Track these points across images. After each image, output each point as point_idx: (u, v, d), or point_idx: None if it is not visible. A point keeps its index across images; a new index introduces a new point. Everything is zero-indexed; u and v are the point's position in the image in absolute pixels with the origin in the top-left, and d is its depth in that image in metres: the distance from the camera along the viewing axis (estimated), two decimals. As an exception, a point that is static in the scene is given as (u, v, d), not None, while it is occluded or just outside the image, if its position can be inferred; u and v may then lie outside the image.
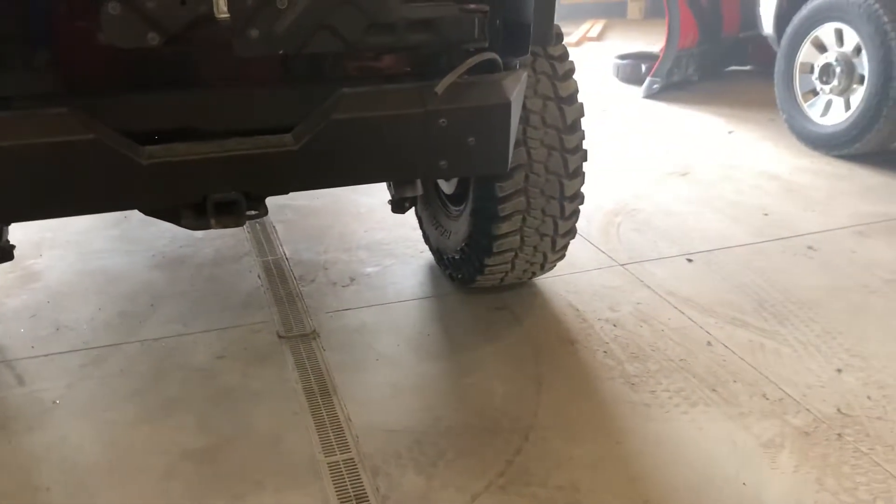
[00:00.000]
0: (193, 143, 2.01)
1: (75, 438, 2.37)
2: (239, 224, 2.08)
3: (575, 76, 2.75)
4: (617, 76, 7.03)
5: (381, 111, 2.08)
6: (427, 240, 3.43)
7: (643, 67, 6.65)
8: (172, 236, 3.71)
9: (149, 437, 2.38)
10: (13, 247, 2.65)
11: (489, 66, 2.23)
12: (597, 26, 9.48)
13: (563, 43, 2.75)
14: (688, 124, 5.71)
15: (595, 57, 7.87)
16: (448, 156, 2.18)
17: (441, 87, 2.05)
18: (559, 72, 2.68)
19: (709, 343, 2.87)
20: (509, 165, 2.35)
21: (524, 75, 2.37)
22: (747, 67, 6.94)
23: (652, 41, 8.02)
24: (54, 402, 2.53)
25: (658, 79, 6.31)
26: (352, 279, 3.36)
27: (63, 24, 1.86)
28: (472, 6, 2.13)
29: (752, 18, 5.96)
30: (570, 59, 2.75)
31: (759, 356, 2.78)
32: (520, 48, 2.33)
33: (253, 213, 2.13)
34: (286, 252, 3.60)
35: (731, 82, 6.77)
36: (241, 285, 3.31)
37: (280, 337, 2.90)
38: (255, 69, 2.06)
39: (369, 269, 3.44)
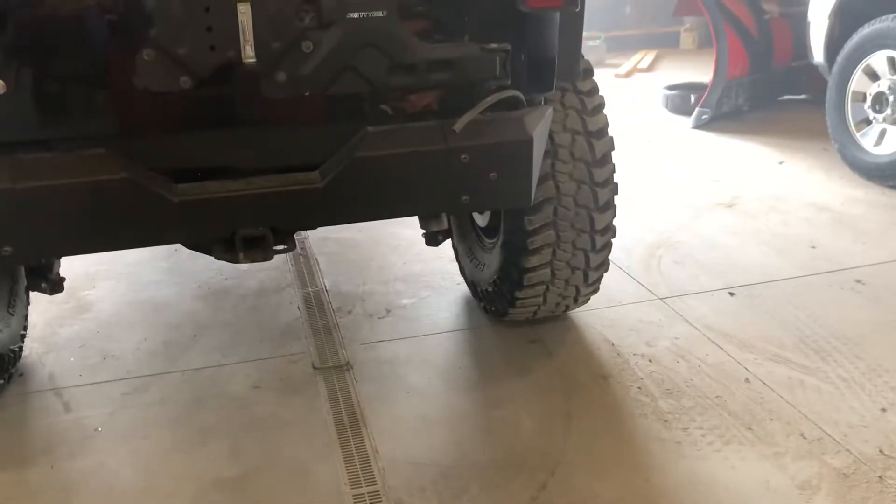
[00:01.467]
0: (223, 181, 2.09)
1: (113, 464, 2.45)
2: (267, 258, 2.15)
3: (605, 110, 2.76)
4: (666, 107, 6.98)
5: (403, 148, 2.13)
6: (463, 272, 3.46)
7: (692, 98, 6.59)
8: (219, 268, 3.83)
9: (182, 464, 2.45)
10: (63, 279, 2.77)
11: (512, 103, 2.27)
12: (648, 57, 9.44)
13: (594, 78, 2.77)
14: (737, 154, 5.62)
15: (644, 88, 7.84)
16: (470, 191, 2.21)
17: (459, 125, 2.09)
18: (588, 106, 2.69)
19: (747, 380, 2.80)
20: (533, 199, 2.37)
21: (549, 111, 2.40)
22: (801, 97, 6.80)
23: (703, 71, 7.93)
24: (96, 430, 2.63)
25: (707, 109, 6.24)
26: (388, 311, 3.40)
27: (100, 71, 1.97)
28: (494, 45, 2.17)
29: (805, 47, 5.86)
30: (600, 93, 2.76)
31: (799, 393, 2.70)
32: (545, 85, 2.36)
33: (281, 247, 2.20)
34: (326, 284, 3.68)
35: (784, 112, 6.64)
36: (281, 316, 3.39)
37: (315, 368, 2.96)
38: (283, 110, 2.13)
39: (405, 301, 3.48)
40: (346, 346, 3.11)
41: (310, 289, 3.64)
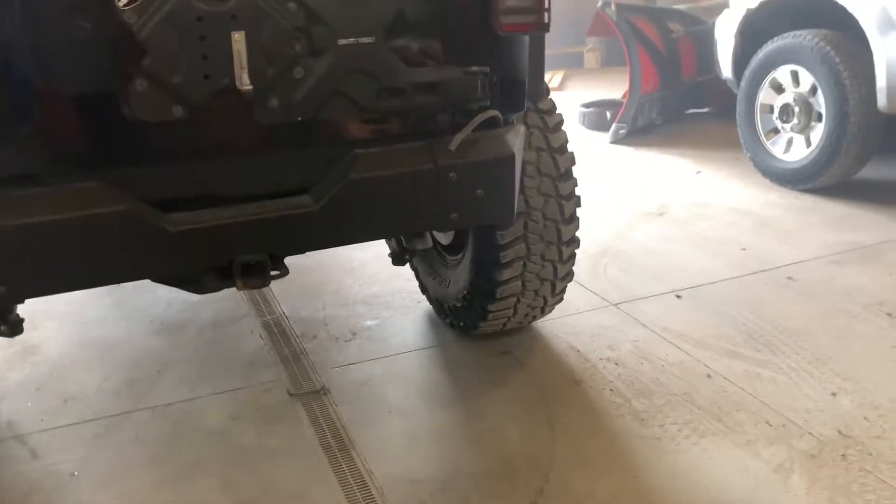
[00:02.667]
0: (218, 208, 2.08)
1: (99, 509, 2.36)
2: (264, 284, 2.15)
3: (564, 127, 2.90)
4: (583, 124, 7.27)
5: (394, 169, 2.18)
6: (425, 290, 3.51)
7: (608, 114, 6.90)
8: (168, 301, 3.74)
9: (173, 501, 2.38)
10: (23, 320, 2.65)
11: (491, 123, 2.36)
12: (557, 77, 9.80)
13: (551, 97, 2.90)
14: (657, 166, 5.93)
15: (559, 106, 8.13)
16: (459, 208, 2.28)
17: (454, 144, 2.17)
18: (549, 124, 2.82)
19: (708, 375, 2.97)
20: (515, 214, 2.46)
21: (522, 129, 2.50)
22: (705, 110, 7.25)
23: (611, 88, 8.33)
24: (73, 475, 2.52)
25: (624, 124, 6.55)
26: (353, 333, 3.41)
27: (91, 102, 1.93)
28: (474, 68, 2.26)
29: (708, 63, 6.27)
30: (559, 111, 2.90)
31: (758, 385, 2.89)
32: (517, 104, 2.47)
33: (276, 272, 2.20)
34: (284, 310, 3.65)
35: (693, 124, 7.06)
36: (245, 346, 3.34)
37: (291, 395, 2.94)
38: (274, 135, 2.14)
39: (369, 323, 3.50)
40: (319, 371, 3.10)
41: (269, 316, 3.60)
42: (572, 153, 2.88)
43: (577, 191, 2.92)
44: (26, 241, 1.86)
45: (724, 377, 2.95)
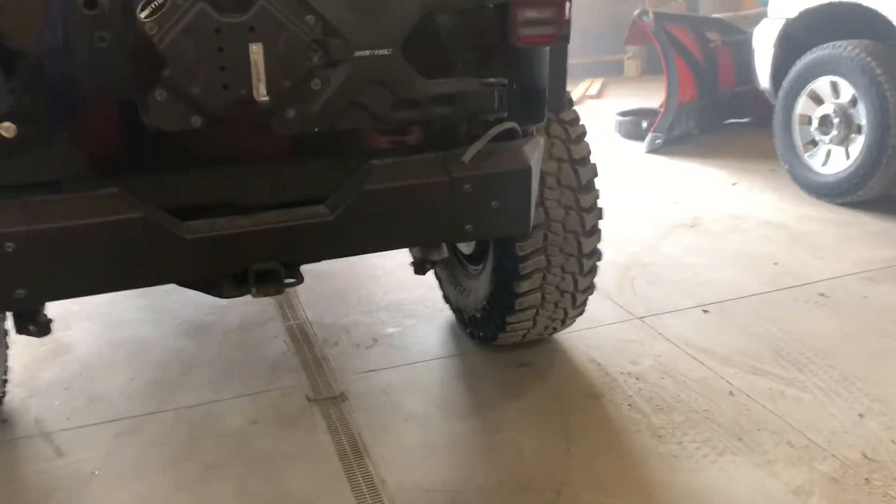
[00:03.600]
0: (234, 217, 2.12)
1: (116, 508, 2.41)
2: (279, 292, 2.18)
3: (587, 139, 2.88)
4: (619, 132, 7.21)
5: (409, 180, 2.20)
6: (447, 299, 3.51)
7: (644, 123, 6.83)
8: (197, 304, 3.80)
9: (188, 504, 2.43)
10: (51, 321, 2.72)
11: (509, 134, 2.35)
12: (595, 84, 9.74)
13: (575, 108, 2.89)
14: (692, 177, 5.85)
15: (596, 114, 8.08)
16: (473, 220, 2.28)
17: (468, 156, 2.17)
18: (572, 135, 2.81)
19: (731, 393, 2.92)
20: (531, 227, 2.45)
21: (541, 140, 2.50)
22: (744, 120, 7.12)
23: (650, 97, 8.23)
24: (93, 473, 2.58)
25: (660, 134, 6.48)
26: (375, 340, 3.43)
27: (112, 111, 1.99)
28: (492, 80, 2.26)
29: (747, 73, 6.16)
30: (582, 122, 2.88)
31: (781, 404, 2.83)
32: (537, 115, 2.46)
33: (291, 280, 2.22)
34: (308, 316, 3.68)
35: (730, 135, 6.94)
36: (268, 350, 3.38)
37: (310, 400, 2.96)
38: (291, 145, 2.17)
39: (391, 330, 3.51)
40: (338, 377, 3.12)
41: (293, 322, 3.64)
42: (594, 165, 2.86)
43: (600, 203, 2.89)
44: (47, 245, 1.92)
45: (747, 395, 2.90)
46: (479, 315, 3.15)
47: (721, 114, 7.02)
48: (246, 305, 3.79)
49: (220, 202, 2.15)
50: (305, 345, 3.41)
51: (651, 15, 6.23)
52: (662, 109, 6.50)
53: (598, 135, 7.23)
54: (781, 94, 5.27)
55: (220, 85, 1.97)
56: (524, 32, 2.24)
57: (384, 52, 2.10)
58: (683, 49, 6.39)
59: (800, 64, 5.08)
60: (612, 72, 10.61)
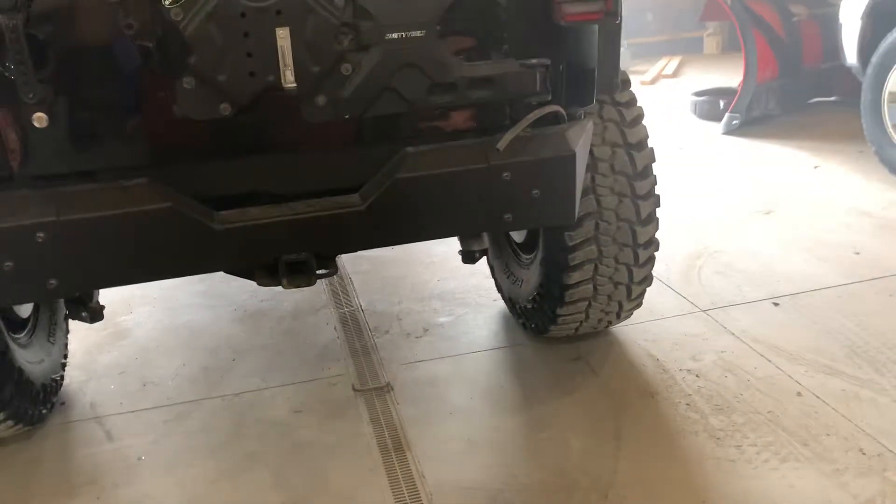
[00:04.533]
0: (265, 206, 2.07)
1: (158, 495, 2.43)
2: (310, 284, 2.13)
3: (644, 121, 2.71)
4: (694, 113, 6.89)
5: (444, 168, 2.10)
6: (500, 289, 3.41)
7: (721, 103, 6.50)
8: (254, 291, 3.82)
9: (228, 493, 2.42)
10: (103, 307, 2.77)
11: (553, 118, 2.23)
12: (672, 63, 9.35)
13: (631, 89, 2.72)
14: (770, 160, 5.52)
15: (671, 94, 7.76)
16: (513, 209, 2.18)
17: (502, 143, 2.06)
18: (627, 118, 2.65)
19: (799, 393, 2.72)
20: (576, 215, 2.32)
21: (589, 124, 2.36)
22: (832, 99, 6.69)
23: (730, 76, 7.84)
24: (140, 459, 2.61)
25: (737, 114, 6.15)
26: (425, 330, 3.36)
27: (141, 100, 1.97)
28: (534, 61, 2.14)
29: (835, 49, 5.76)
30: (639, 104, 2.72)
31: (855, 407, 2.62)
32: (585, 98, 2.32)
33: (324, 271, 2.17)
34: (361, 303, 3.65)
35: (816, 114, 6.53)
36: (319, 338, 3.36)
37: (355, 390, 2.93)
38: (323, 133, 2.11)
39: (442, 319, 3.44)
40: (386, 367, 3.07)
41: (345, 309, 3.62)
42: (652, 149, 2.69)
43: (657, 189, 2.73)
44: (78, 236, 1.92)
45: (816, 396, 2.69)
46: (530, 306, 3.04)
47: (806, 92, 6.60)
48: (299, 293, 3.76)
49: (252, 191, 2.11)
50: (356, 333, 3.37)
51: (729, -12, 5.90)
52: (740, 88, 6.16)
53: (673, 115, 6.97)
54: (870, 70, 4.90)
55: (246, 72, 1.92)
56: (567, 10, 2.10)
57: (417, 33, 2.00)
58: (763, 24, 6.03)
59: (890, 38, 4.70)
60: (691, 49, 10.15)
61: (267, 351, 3.28)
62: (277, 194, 2.13)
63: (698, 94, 6.96)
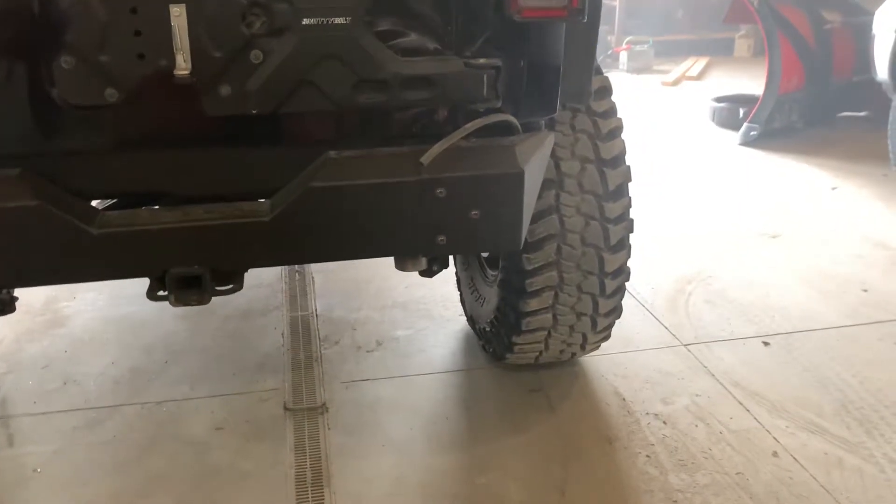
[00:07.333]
0: (156, 210, 1.80)
1: (42, 516, 2.19)
2: (202, 302, 1.85)
3: (623, 135, 2.41)
4: (713, 120, 6.52)
5: (367, 178, 1.81)
6: (463, 304, 3.13)
7: (741, 111, 6.13)
8: (207, 284, 3.56)
9: (118, 521, 2.18)
10: (16, 298, 2.52)
11: (505, 128, 1.92)
12: (698, 64, 8.95)
13: (612, 97, 2.41)
14: (786, 177, 5.16)
15: (692, 98, 7.38)
16: (447, 231, 1.88)
17: (427, 156, 1.76)
18: (603, 130, 2.34)
19: (775, 453, 2.41)
20: (525, 239, 2.03)
21: (549, 137, 2.05)
22: (861, 114, 6.28)
23: (757, 82, 7.41)
24: (35, 471, 2.38)
25: (756, 125, 5.78)
26: (378, 343, 3.09)
27: (15, 80, 1.69)
28: (482, 61, 1.83)
29: (868, 61, 5.36)
30: (618, 116, 2.41)
31: (836, 475, 2.31)
32: (545, 107, 2.02)
33: (224, 288, 1.89)
34: (318, 307, 3.38)
35: (842, 130, 6.14)
36: (263, 344, 3.10)
37: (286, 409, 2.66)
38: (229, 129, 1.83)
39: (400, 333, 3.16)
40: (326, 385, 2.80)
41: (299, 313, 3.35)
42: (628, 167, 2.38)
43: (631, 213, 2.42)
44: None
45: (794, 458, 2.38)
46: (488, 329, 2.76)
47: (833, 105, 6.21)
48: (256, 289, 3.52)
49: (145, 191, 1.84)
50: (303, 341, 3.11)
51: (757, -10, 5.51)
52: (761, 97, 5.78)
53: (690, 121, 6.61)
54: (901, 87, 4.52)
55: (134, 53, 1.65)
56: (525, 4, 1.79)
57: (341, 20, 1.71)
58: (791, 30, 5.64)
59: (925, 53, 4.32)
60: (721, 51, 9.73)
61: (204, 354, 3.02)
62: (182, 196, 1.86)
63: (719, 99, 6.60)
